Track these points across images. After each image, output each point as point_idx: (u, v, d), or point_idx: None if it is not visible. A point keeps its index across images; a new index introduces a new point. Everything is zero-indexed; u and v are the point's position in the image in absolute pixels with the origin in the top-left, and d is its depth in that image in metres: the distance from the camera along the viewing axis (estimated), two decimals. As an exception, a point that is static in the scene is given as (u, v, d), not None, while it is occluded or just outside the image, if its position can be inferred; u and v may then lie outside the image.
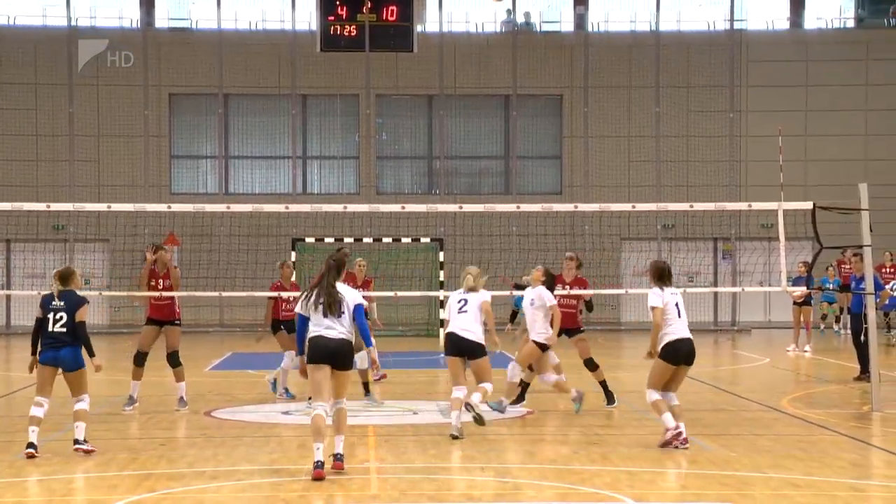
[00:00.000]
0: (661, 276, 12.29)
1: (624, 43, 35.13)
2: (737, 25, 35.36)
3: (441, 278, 28.24)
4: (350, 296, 10.82)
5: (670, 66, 34.67)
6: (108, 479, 10.47)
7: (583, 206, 19.75)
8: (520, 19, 35.81)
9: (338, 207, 18.10)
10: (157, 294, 15.17)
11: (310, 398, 11.48)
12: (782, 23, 36.21)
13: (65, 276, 11.98)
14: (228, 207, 19.50)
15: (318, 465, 10.30)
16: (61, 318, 11.78)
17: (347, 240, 28.57)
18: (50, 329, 11.79)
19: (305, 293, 10.86)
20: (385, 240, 29.09)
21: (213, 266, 31.42)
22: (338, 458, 10.54)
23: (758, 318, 34.43)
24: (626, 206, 19.76)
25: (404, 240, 28.59)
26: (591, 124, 34.58)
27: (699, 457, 11.52)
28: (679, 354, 12.03)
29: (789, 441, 12.62)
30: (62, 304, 11.83)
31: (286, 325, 16.31)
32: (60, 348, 11.77)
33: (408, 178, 35.84)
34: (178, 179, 34.69)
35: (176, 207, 21.46)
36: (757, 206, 18.55)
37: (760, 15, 36.15)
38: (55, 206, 18.81)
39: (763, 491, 9.86)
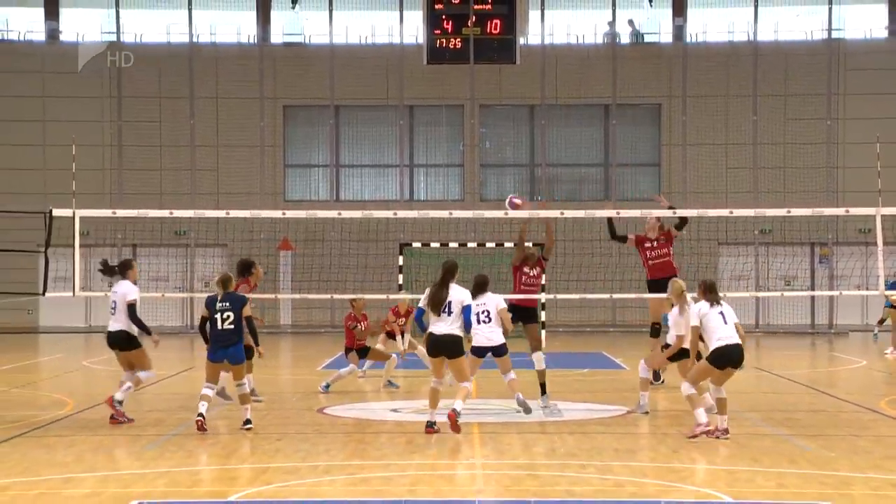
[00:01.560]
0: (707, 291, 12.63)
1: (722, 53, 34.72)
2: (835, 35, 34.72)
3: (543, 282, 28.10)
4: (459, 296, 12.60)
5: (768, 75, 34.18)
6: (229, 472, 10.64)
7: (681, 212, 19.46)
8: (626, 27, 35.67)
9: (443, 213, 18.17)
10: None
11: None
12: (880, 31, 35.46)
13: (226, 281, 12.93)
14: (339, 214, 19.68)
15: (430, 425, 12.52)
16: (228, 317, 12.71)
17: (452, 245, 28.68)
18: (220, 328, 12.75)
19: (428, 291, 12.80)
20: (488, 244, 29.10)
21: (325, 270, 31.73)
22: (454, 412, 12.39)
23: (855, 322, 33.74)
24: (724, 212, 19.49)
25: (507, 244, 28.55)
26: (689, 132, 34.24)
27: (798, 456, 11.33)
28: (729, 359, 12.31)
29: (889, 442, 12.34)
30: (227, 304, 12.74)
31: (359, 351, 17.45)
32: (229, 346, 12.77)
33: (510, 185, 35.82)
34: (292, 187, 35.14)
35: (290, 214, 21.64)
36: (855, 211, 18.17)
37: (858, 24, 35.43)
38: (177, 213, 19.16)
39: (863, 490, 9.66)
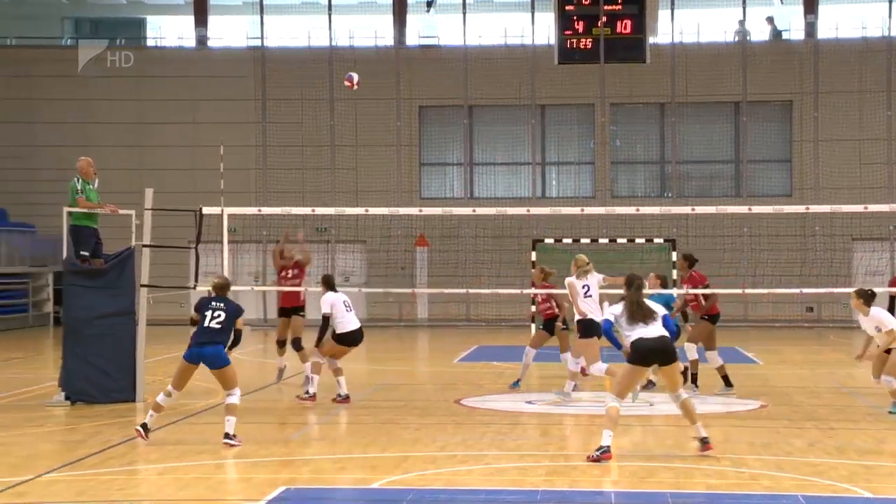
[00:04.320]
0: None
1: (854, 49, 33.74)
2: (971, 27, 33.49)
3: (674, 276, 27.78)
4: (658, 308, 11.06)
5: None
6: (370, 461, 10.71)
7: (814, 208, 19.02)
8: (765, 25, 35.03)
9: (575, 210, 18.06)
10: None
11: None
12: None
13: (223, 287, 11.86)
14: (474, 210, 19.73)
15: (605, 450, 10.39)
16: (219, 315, 11.57)
17: (584, 240, 28.48)
18: (205, 325, 11.55)
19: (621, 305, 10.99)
20: (619, 240, 28.81)
21: (460, 265, 31.84)
22: (704, 441, 10.73)
23: None
24: (858, 208, 18.90)
25: (638, 240, 28.25)
26: (821, 128, 33.38)
27: (937, 453, 10.94)
28: None
29: None
30: (222, 305, 11.67)
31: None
32: (206, 345, 11.49)
33: (641, 181, 35.45)
34: (428, 185, 35.31)
35: (426, 211, 21.84)
36: None
37: None
38: (319, 211, 19.42)
39: None
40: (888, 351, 13.30)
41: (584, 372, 15.14)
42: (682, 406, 10.87)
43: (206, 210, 15.55)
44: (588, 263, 14.12)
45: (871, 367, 13.67)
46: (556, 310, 16.03)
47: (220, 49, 36.07)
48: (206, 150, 33.15)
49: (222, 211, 15.78)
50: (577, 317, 13.94)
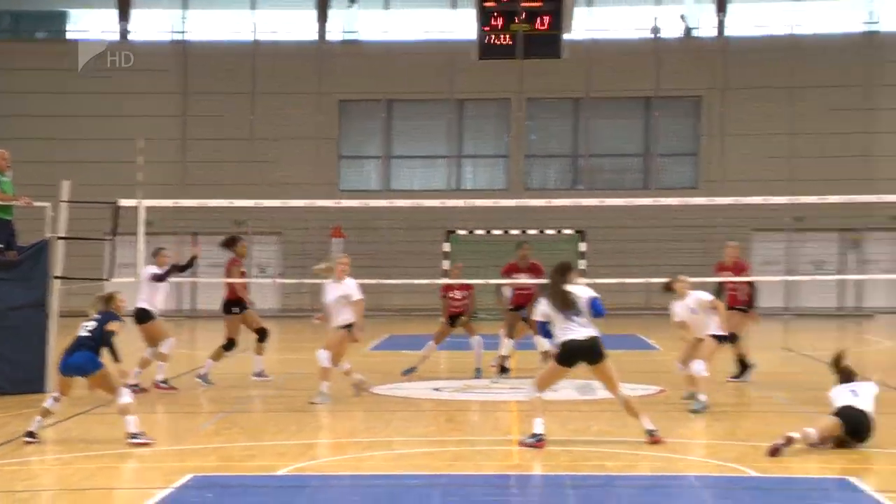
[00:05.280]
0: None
1: (761, 46, 34.33)
2: (872, 28, 34.24)
3: (583, 266, 28.06)
4: (582, 293, 10.67)
5: (807, 67, 33.74)
6: (278, 448, 10.70)
7: (717, 200, 19.29)
8: (679, 22, 35.50)
9: (489, 202, 18.15)
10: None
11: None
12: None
13: (107, 300, 11.17)
14: (391, 202, 19.77)
15: (539, 438, 10.39)
16: (89, 325, 10.83)
17: (497, 231, 28.68)
18: (78, 334, 10.83)
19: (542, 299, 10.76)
20: (531, 231, 29.02)
21: (377, 256, 31.81)
22: (650, 433, 10.55)
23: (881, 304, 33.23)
24: (758, 200, 19.25)
25: (549, 231, 28.51)
26: (727, 124, 33.92)
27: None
28: None
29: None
30: (97, 316, 10.92)
31: None
32: (73, 352, 10.74)
33: (553, 174, 35.73)
34: (346, 177, 35.25)
35: (344, 203, 21.76)
36: (887, 198, 17.95)
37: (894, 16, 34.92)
38: (237, 203, 19.30)
39: (886, 466, 9.53)
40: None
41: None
42: (623, 403, 10.78)
43: (122, 202, 15.37)
44: None
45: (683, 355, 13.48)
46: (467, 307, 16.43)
47: (143, 42, 35.61)
48: (126, 143, 32.64)
49: (139, 203, 15.61)
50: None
